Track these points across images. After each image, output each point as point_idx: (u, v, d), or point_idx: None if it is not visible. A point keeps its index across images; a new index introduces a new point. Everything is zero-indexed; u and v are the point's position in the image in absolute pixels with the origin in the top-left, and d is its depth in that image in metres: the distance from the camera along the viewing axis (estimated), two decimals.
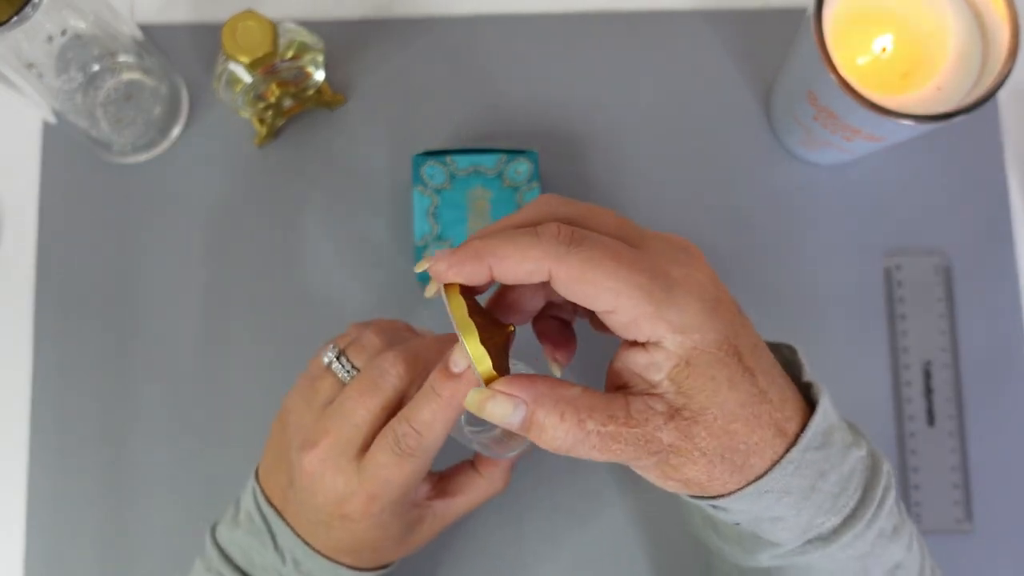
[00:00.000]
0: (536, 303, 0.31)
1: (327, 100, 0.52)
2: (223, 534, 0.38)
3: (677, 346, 0.27)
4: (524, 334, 0.32)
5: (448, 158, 0.48)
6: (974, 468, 0.49)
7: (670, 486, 0.29)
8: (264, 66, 0.46)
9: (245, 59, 0.45)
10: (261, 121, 0.51)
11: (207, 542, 0.39)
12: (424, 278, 0.50)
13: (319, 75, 0.49)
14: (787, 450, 0.29)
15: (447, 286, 0.29)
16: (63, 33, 0.43)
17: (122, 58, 0.48)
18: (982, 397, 0.50)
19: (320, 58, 0.48)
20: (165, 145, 0.52)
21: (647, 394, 0.28)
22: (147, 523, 0.49)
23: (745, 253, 0.52)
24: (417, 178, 0.48)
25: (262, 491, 0.38)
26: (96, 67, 0.47)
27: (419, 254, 0.48)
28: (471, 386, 0.31)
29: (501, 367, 0.28)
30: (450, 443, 0.35)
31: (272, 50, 0.45)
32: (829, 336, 0.51)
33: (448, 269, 0.28)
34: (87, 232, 0.52)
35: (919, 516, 0.49)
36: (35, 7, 0.38)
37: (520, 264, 0.27)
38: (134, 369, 0.50)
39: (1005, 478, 0.50)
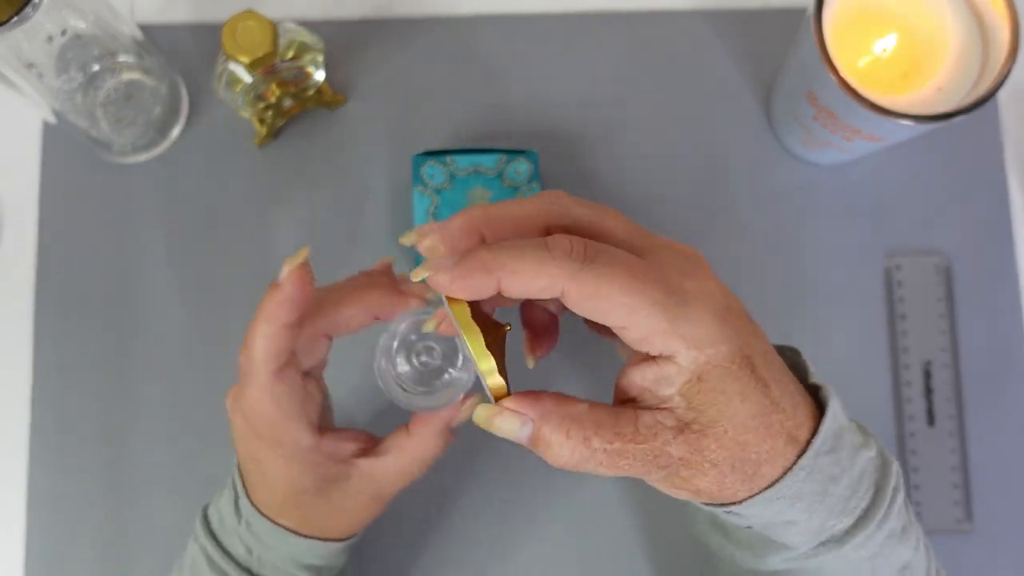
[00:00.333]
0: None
1: (327, 100, 0.52)
2: (212, 504, 0.39)
3: (690, 361, 0.27)
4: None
5: (448, 158, 0.48)
6: (974, 468, 0.49)
7: (680, 495, 0.29)
8: (264, 66, 0.46)
9: (245, 59, 0.45)
10: (261, 121, 0.51)
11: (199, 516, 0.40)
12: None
13: (319, 75, 0.49)
14: (798, 457, 0.29)
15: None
16: (63, 33, 0.43)
17: (122, 58, 0.48)
18: (982, 397, 0.50)
19: (320, 58, 0.48)
20: (165, 145, 0.53)
21: (656, 408, 0.28)
22: (147, 523, 0.49)
23: (745, 253, 0.52)
24: (417, 178, 0.48)
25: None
26: (96, 67, 0.47)
27: (419, 259, 0.48)
28: (285, 296, 0.32)
29: (503, 373, 0.28)
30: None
31: (272, 50, 0.45)
32: (829, 336, 0.51)
33: (452, 282, 0.27)
34: (87, 232, 0.52)
35: (919, 516, 0.49)
36: (35, 7, 0.38)
37: (533, 281, 0.26)
38: (134, 369, 0.50)
39: (1005, 478, 0.50)
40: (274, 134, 0.52)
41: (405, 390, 0.37)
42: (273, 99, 0.49)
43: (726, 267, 0.51)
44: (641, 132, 0.53)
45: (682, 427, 0.27)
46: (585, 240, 0.27)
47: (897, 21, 0.44)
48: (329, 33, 0.52)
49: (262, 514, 0.37)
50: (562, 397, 0.28)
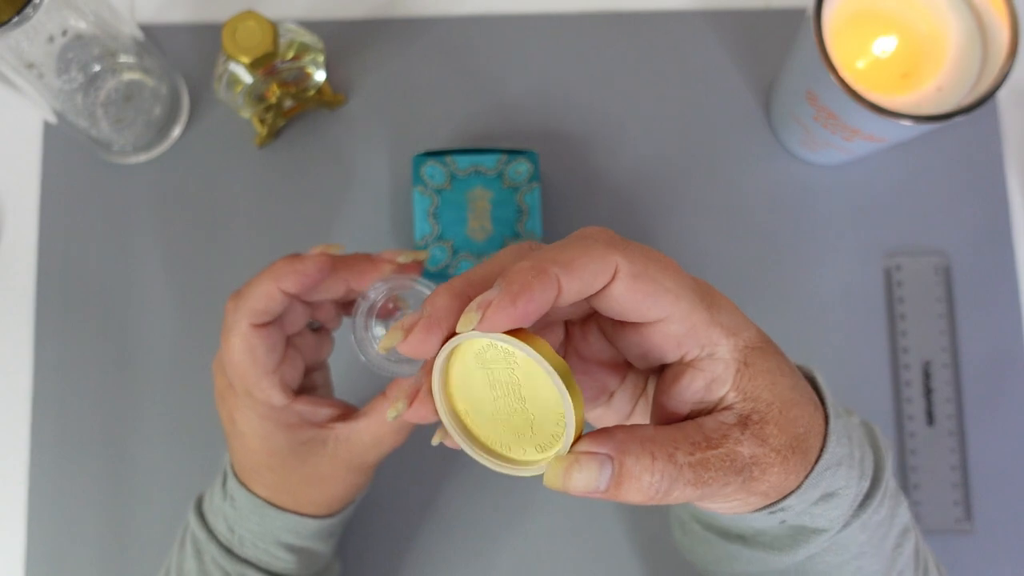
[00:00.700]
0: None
1: (327, 100, 0.52)
2: (208, 488, 0.40)
3: (732, 350, 0.26)
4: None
5: (448, 158, 0.48)
6: (974, 468, 0.49)
7: (751, 503, 0.27)
8: (264, 66, 0.46)
9: (246, 59, 0.45)
10: (261, 121, 0.51)
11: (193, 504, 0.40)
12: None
13: (319, 75, 0.49)
14: (825, 421, 0.28)
15: (518, 332, 0.23)
16: (64, 33, 0.43)
17: (122, 58, 0.48)
18: (982, 397, 0.50)
19: (320, 58, 0.48)
20: (165, 145, 0.53)
21: (714, 411, 0.26)
22: (147, 523, 0.49)
23: (745, 253, 0.52)
24: (417, 178, 0.48)
25: None
26: (96, 67, 0.48)
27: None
28: (302, 268, 0.33)
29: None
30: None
31: (272, 50, 0.45)
32: (829, 336, 0.51)
33: (516, 303, 0.22)
34: (87, 232, 0.52)
35: (919, 516, 0.49)
36: (36, 7, 0.38)
37: (588, 267, 0.23)
38: (134, 369, 0.51)
39: (1005, 478, 0.50)
40: (274, 134, 0.52)
41: (385, 358, 0.37)
42: (273, 99, 0.49)
43: (726, 267, 0.52)
44: (641, 132, 0.53)
45: (744, 421, 0.26)
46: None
47: (897, 21, 0.44)
48: (329, 33, 0.52)
49: (241, 483, 0.37)
50: (627, 426, 0.25)
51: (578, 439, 0.24)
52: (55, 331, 0.51)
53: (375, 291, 0.37)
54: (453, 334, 0.24)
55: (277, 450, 0.36)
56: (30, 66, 0.43)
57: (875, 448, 0.31)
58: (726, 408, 0.26)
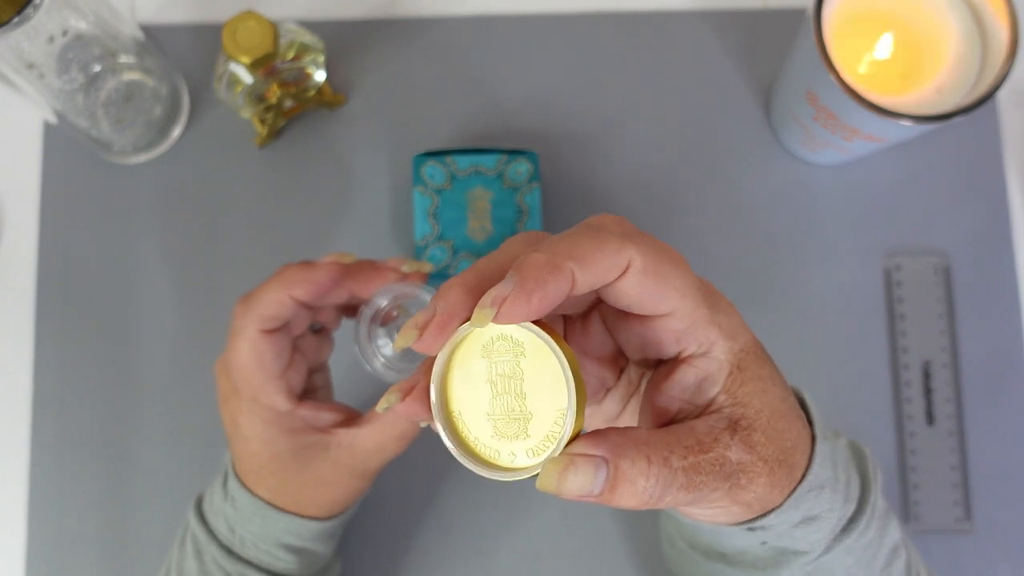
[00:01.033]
0: None
1: (328, 100, 0.52)
2: (208, 487, 0.40)
3: (727, 352, 0.26)
4: None
5: (448, 158, 0.48)
6: (974, 468, 0.49)
7: (734, 513, 0.27)
8: (265, 67, 0.46)
9: (246, 60, 0.45)
10: (262, 122, 0.51)
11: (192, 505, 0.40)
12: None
13: (320, 76, 0.49)
14: (812, 440, 0.28)
15: (539, 324, 0.23)
16: (64, 33, 0.43)
17: (123, 58, 0.48)
18: (982, 397, 0.50)
19: (320, 58, 0.48)
20: (166, 145, 0.53)
21: (704, 414, 0.26)
22: (147, 523, 0.49)
23: (745, 253, 0.52)
24: (417, 178, 0.48)
25: None
26: (97, 67, 0.48)
27: (419, 253, 0.48)
28: (313, 277, 0.33)
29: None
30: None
31: (273, 51, 0.45)
32: (829, 336, 0.51)
33: (531, 300, 0.22)
34: (88, 232, 0.52)
35: (919, 516, 0.49)
36: (36, 7, 0.38)
37: (603, 260, 0.23)
38: (135, 369, 0.51)
39: (1005, 478, 0.50)
40: (275, 134, 0.52)
41: (388, 367, 0.37)
42: (274, 100, 0.49)
43: (725, 267, 0.52)
44: (641, 132, 0.53)
45: (734, 426, 0.26)
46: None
47: (896, 21, 0.44)
48: (329, 33, 0.52)
49: (243, 485, 0.37)
50: (619, 428, 0.24)
51: (573, 440, 0.23)
52: (55, 331, 0.51)
53: (379, 298, 0.37)
54: None
55: (280, 454, 0.36)
56: (30, 66, 0.43)
57: (862, 471, 0.31)
58: (715, 411, 0.26)
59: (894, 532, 0.33)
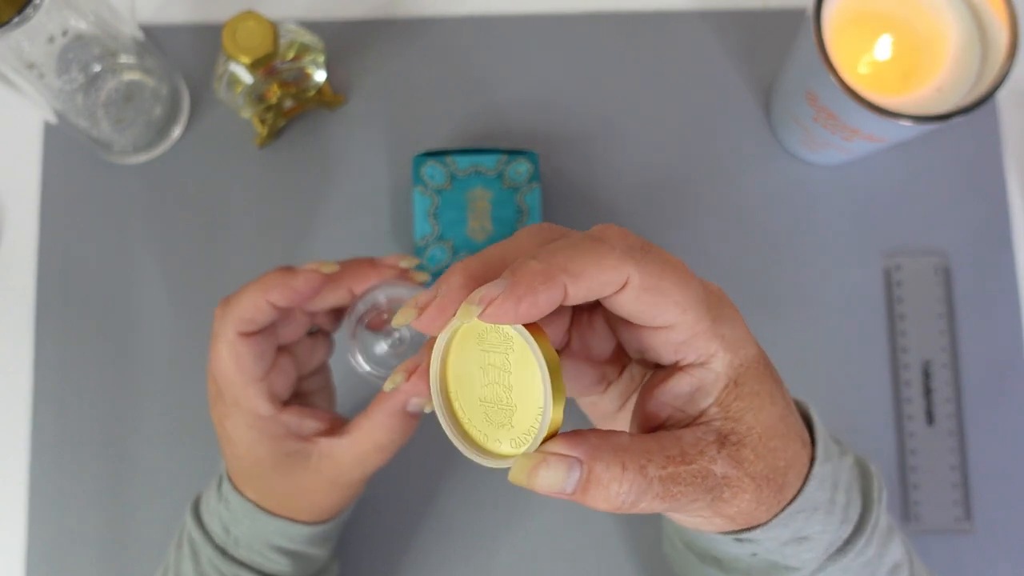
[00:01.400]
0: None
1: (327, 100, 0.52)
2: (205, 488, 0.40)
3: (726, 366, 0.25)
4: None
5: (448, 158, 0.48)
6: (974, 468, 0.49)
7: (716, 523, 0.27)
8: (265, 67, 0.46)
9: (246, 60, 0.45)
10: (262, 122, 0.51)
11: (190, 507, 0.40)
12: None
13: (319, 76, 0.49)
14: (810, 461, 0.28)
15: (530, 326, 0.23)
16: (64, 33, 0.43)
17: (123, 58, 0.48)
18: (982, 397, 0.50)
19: (320, 59, 0.48)
20: (166, 146, 0.53)
21: (694, 425, 0.26)
22: (147, 523, 0.49)
23: (745, 253, 0.52)
24: (417, 178, 0.48)
25: None
26: (97, 67, 0.48)
27: (419, 253, 0.48)
28: (292, 283, 0.32)
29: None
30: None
31: (273, 51, 0.45)
32: (829, 336, 0.51)
33: (520, 306, 0.22)
34: (88, 232, 0.52)
35: (919, 516, 0.49)
36: (36, 7, 0.38)
37: (599, 276, 0.23)
38: (135, 369, 0.51)
39: (1005, 478, 0.50)
40: (275, 135, 0.52)
41: (375, 373, 0.37)
42: (274, 100, 0.49)
43: (725, 267, 0.52)
44: (641, 132, 0.53)
45: (722, 440, 0.25)
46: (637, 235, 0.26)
47: (896, 22, 0.44)
48: (329, 33, 0.52)
49: (233, 486, 0.37)
50: (601, 431, 0.24)
51: (551, 437, 0.23)
52: (55, 331, 0.51)
53: (372, 294, 0.37)
54: None
55: (261, 460, 0.36)
56: (30, 66, 0.43)
57: (865, 492, 0.31)
58: (706, 423, 0.26)
59: (896, 550, 0.33)
